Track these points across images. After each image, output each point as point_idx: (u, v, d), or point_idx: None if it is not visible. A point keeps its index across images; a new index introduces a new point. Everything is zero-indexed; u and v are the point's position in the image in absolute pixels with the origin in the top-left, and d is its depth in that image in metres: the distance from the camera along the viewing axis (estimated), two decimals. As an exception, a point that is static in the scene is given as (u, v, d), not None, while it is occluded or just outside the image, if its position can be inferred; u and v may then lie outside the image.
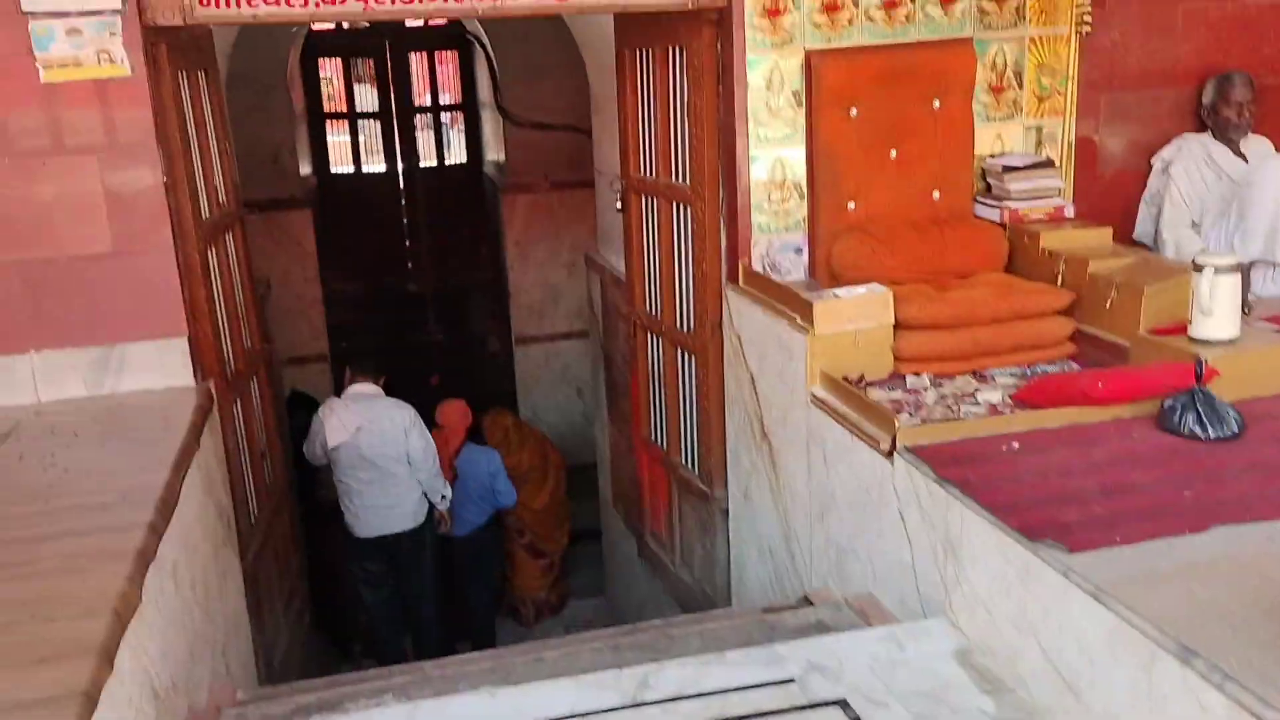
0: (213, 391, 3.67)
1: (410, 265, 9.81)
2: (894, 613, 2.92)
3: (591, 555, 7.28)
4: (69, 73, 3.30)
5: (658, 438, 4.88)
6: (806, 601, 3.30)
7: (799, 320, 3.39)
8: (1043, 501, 2.52)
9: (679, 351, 4.51)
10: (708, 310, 4.12)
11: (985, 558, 2.48)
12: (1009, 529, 2.40)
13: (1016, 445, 2.84)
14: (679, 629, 3.14)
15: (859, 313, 3.33)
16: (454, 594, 5.76)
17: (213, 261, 4.00)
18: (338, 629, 6.46)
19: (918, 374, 3.39)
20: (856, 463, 3.06)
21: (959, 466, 2.72)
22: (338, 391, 5.60)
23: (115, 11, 3.28)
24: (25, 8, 3.23)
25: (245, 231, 4.60)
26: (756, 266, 3.88)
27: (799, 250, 3.91)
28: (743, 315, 3.86)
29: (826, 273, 3.86)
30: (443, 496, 5.11)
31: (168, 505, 2.69)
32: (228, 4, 3.43)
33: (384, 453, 4.85)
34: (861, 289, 3.40)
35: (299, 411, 6.88)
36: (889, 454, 2.87)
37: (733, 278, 3.95)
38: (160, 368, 3.54)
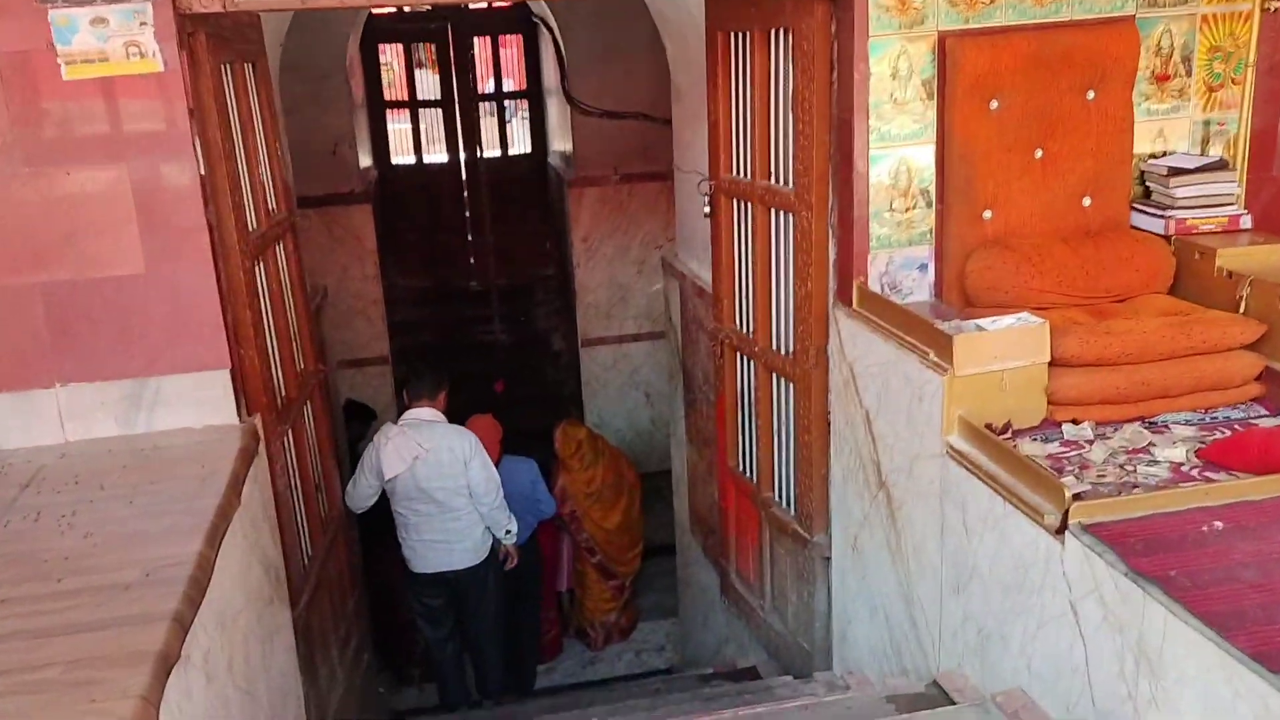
0: (259, 429, 3.26)
1: (473, 261, 9.40)
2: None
3: (662, 572, 6.82)
4: (94, 69, 2.89)
5: (746, 469, 4.39)
6: (938, 689, 2.81)
7: (932, 356, 2.87)
8: (1274, 610, 2.00)
9: (774, 378, 4.01)
10: (811, 334, 3.62)
11: (1202, 682, 1.96)
12: (1240, 653, 1.88)
13: (1220, 525, 2.31)
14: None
15: (1009, 349, 2.81)
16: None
17: (261, 278, 3.59)
18: (396, 651, 6.09)
19: (1076, 422, 2.86)
20: (1011, 534, 2.55)
21: (1153, 555, 2.20)
22: (399, 396, 5.19)
23: (146, -2, 2.86)
24: (44, -5, 2.82)
25: (297, 239, 4.19)
26: (875, 286, 3.36)
27: (924, 267, 3.39)
28: (856, 343, 3.35)
29: (958, 294, 3.34)
30: (507, 531, 4.68)
31: (199, 585, 2.28)
32: (273, -12, 3.00)
33: (443, 484, 4.44)
34: (1009, 319, 2.88)
35: (354, 422, 6.51)
36: (1058, 532, 2.36)
37: (844, 298, 3.44)
38: (200, 403, 3.13)
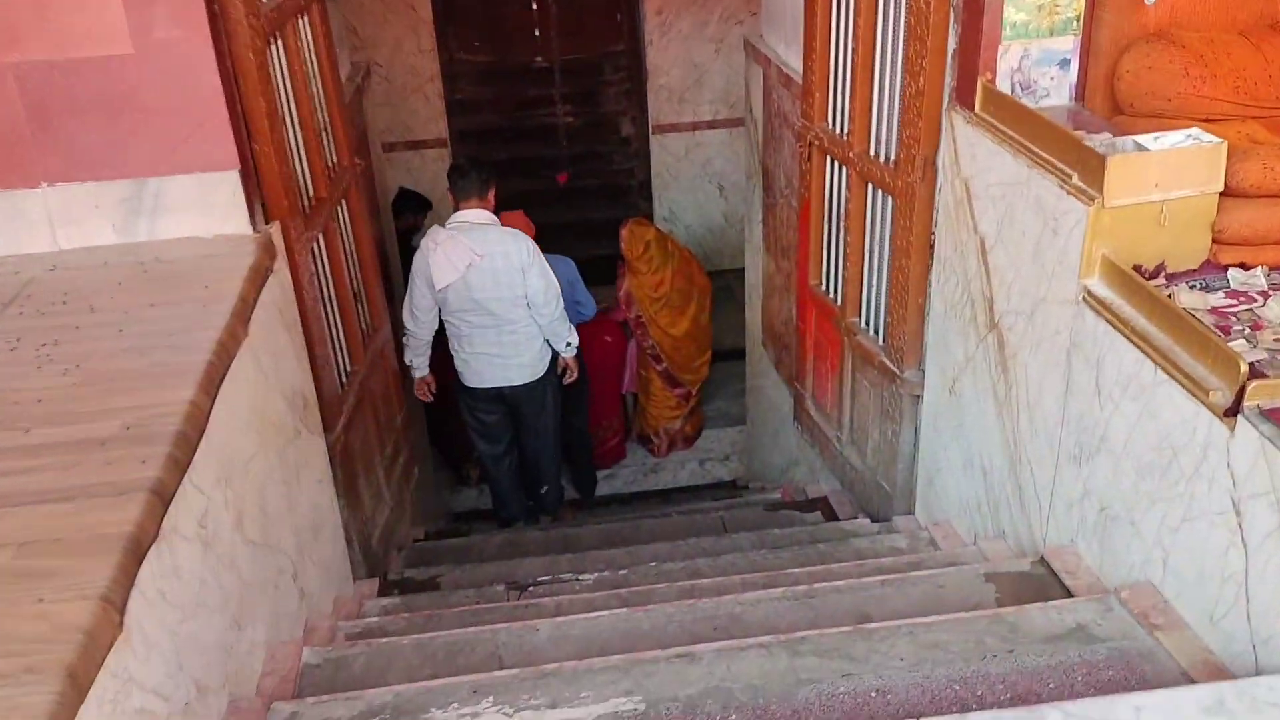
0: (278, 239, 2.86)
1: (537, 33, 8.66)
2: (1197, 630, 2.04)
3: (730, 378, 6.49)
4: None
5: (830, 289, 3.92)
6: (1046, 568, 2.44)
7: (1076, 179, 2.33)
8: None
9: (870, 189, 3.47)
10: (920, 141, 3.05)
11: None
12: None
13: None
14: (873, 612, 2.33)
15: (1176, 175, 2.25)
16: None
17: (277, 59, 3.10)
18: (453, 451, 5.92)
19: (1245, 266, 2.33)
20: (1159, 408, 2.09)
21: (1356, 455, 1.74)
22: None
23: None
24: None
25: (325, 8, 3.65)
26: (1003, 85, 2.77)
27: (1065, 64, 2.77)
28: (976, 156, 2.80)
29: (1105, 99, 2.74)
30: (568, 344, 4.30)
31: (187, 443, 1.94)
32: None
33: (498, 295, 4.04)
34: (1176, 135, 2.30)
35: (406, 213, 6.11)
36: (1227, 414, 1.89)
37: (964, 99, 2.86)
38: (208, 209, 2.73)
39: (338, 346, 3.48)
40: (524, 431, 4.51)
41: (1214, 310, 2.19)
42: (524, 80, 8.68)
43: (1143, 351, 2.12)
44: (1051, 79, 2.78)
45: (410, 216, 6.13)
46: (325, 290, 3.39)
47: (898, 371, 3.40)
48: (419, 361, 4.35)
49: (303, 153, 3.29)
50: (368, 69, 5.03)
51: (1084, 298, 2.32)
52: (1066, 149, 2.37)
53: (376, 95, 7.38)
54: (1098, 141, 2.30)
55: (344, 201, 3.72)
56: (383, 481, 3.87)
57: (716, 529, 4.05)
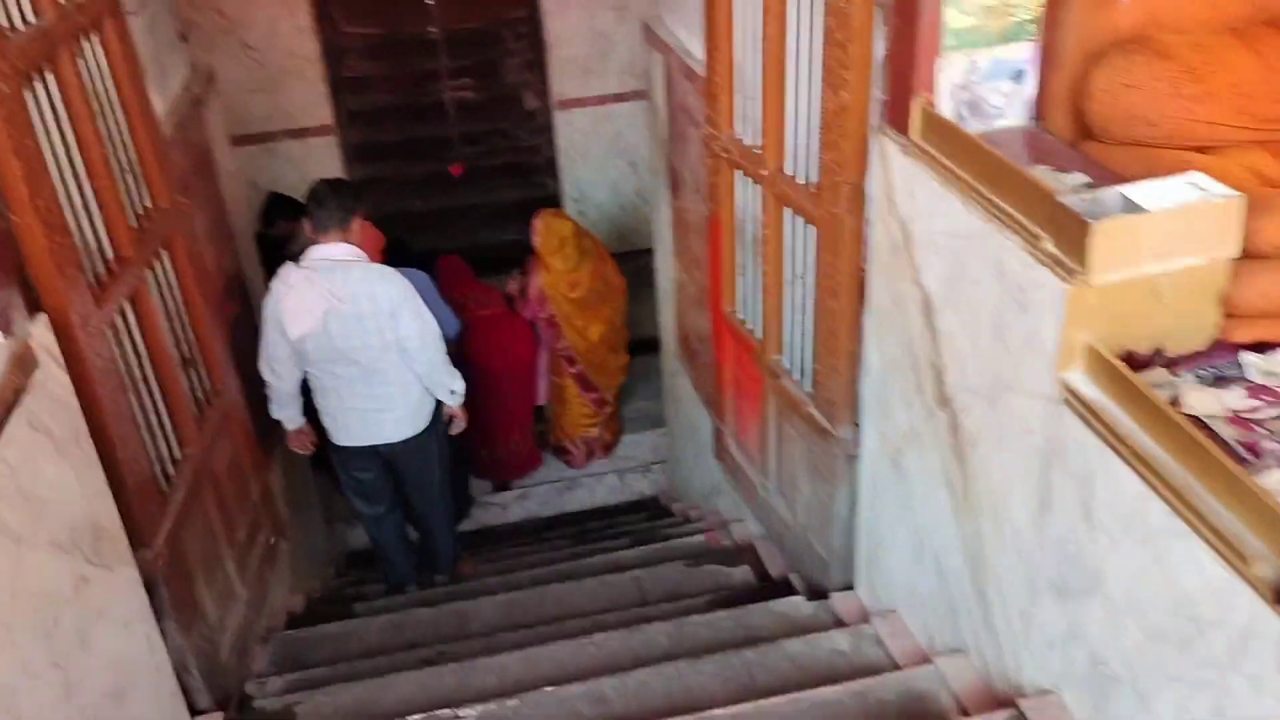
0: (45, 338, 2.23)
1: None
2: None
3: (651, 373, 5.92)
4: None
5: (748, 318, 3.39)
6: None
7: (1048, 244, 1.81)
8: None
9: (789, 214, 2.93)
10: (844, 165, 2.51)
11: None
12: None
13: None
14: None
15: (1178, 239, 1.74)
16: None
17: (45, 99, 2.45)
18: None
19: (1264, 346, 1.83)
20: (1174, 563, 1.60)
21: None
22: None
23: None
24: None
25: (124, 23, 2.97)
26: (945, 106, 2.23)
27: (1020, 76, 2.24)
28: (916, 194, 2.26)
29: (1069, 118, 2.21)
30: (452, 392, 3.71)
31: None
32: None
33: (364, 343, 3.42)
34: (1177, 184, 1.78)
35: (279, 221, 5.43)
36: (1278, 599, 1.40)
37: (896, 121, 2.31)
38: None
39: (158, 434, 2.86)
40: (408, 489, 3.93)
41: (1234, 418, 1.69)
42: (418, 53, 7.93)
43: (1147, 483, 1.62)
44: (1004, 96, 2.25)
45: (284, 225, 5.45)
46: (136, 372, 2.77)
47: (829, 428, 2.89)
48: (287, 415, 3.74)
49: (92, 210, 2.64)
50: (211, 75, 4.32)
51: (1065, 398, 1.81)
52: (1035, 204, 1.85)
53: (251, 81, 6.66)
54: (1077, 200, 1.78)
55: (164, 252, 3.07)
56: (234, 575, 3.28)
57: (634, 597, 3.54)
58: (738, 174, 3.19)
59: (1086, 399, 1.76)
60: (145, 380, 2.84)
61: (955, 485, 2.29)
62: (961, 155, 2.09)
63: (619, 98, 7.20)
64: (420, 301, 3.51)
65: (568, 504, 5.61)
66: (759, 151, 2.99)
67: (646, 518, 5.13)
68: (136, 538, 2.57)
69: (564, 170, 7.55)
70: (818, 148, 2.64)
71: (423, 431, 3.69)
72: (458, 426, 3.87)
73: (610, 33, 6.96)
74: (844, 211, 2.57)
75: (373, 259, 3.60)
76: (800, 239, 2.90)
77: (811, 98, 2.65)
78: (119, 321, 2.70)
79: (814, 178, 2.71)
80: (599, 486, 5.71)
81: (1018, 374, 1.95)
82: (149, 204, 3.01)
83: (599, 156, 7.47)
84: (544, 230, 5.12)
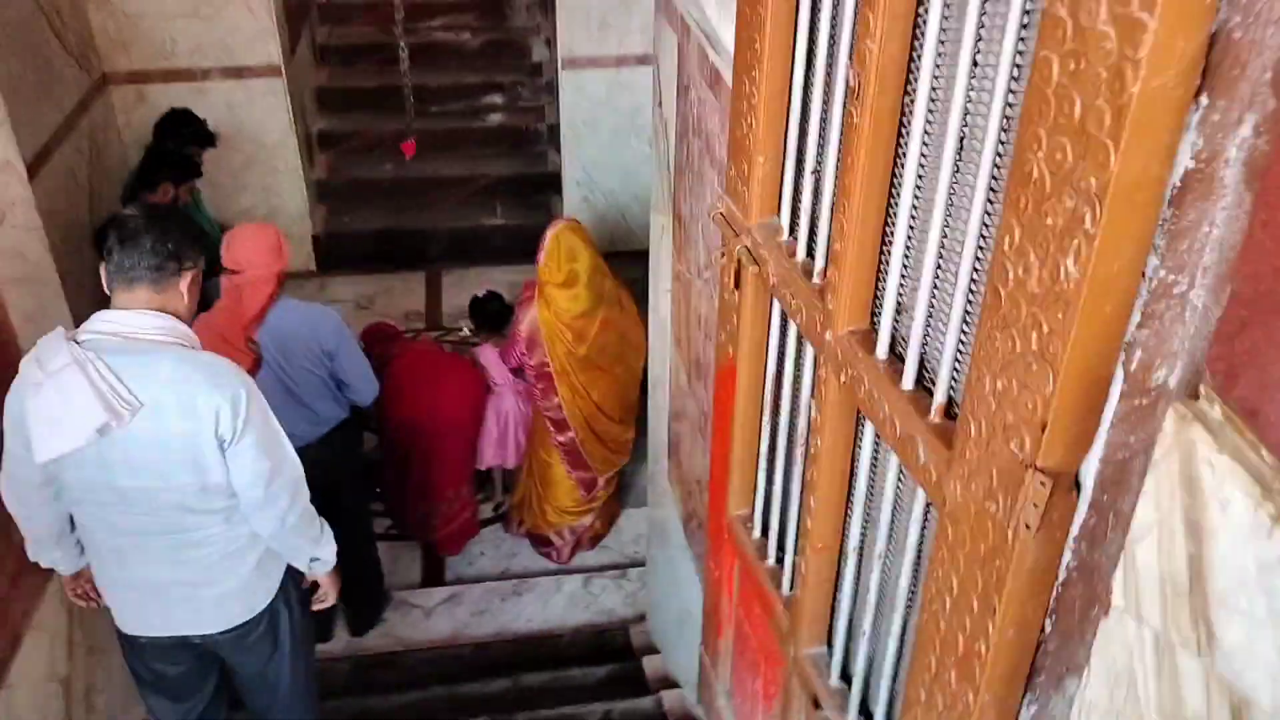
0: None
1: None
2: None
3: (642, 430, 4.42)
4: None
5: (772, 558, 1.89)
6: None
7: None
8: None
9: (872, 435, 1.42)
10: (1043, 418, 1.00)
11: None
12: None
13: None
14: None
15: None
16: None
17: None
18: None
19: None
20: None
21: None
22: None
23: None
24: None
25: None
26: None
27: None
28: (1228, 495, 0.75)
29: None
30: (314, 560, 2.22)
31: None
32: None
33: (166, 483, 1.94)
34: None
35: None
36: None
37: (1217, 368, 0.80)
38: None
39: None
40: (242, 689, 2.45)
41: None
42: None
43: None
44: None
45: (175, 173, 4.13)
46: None
47: None
48: (51, 558, 2.29)
49: None
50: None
51: None
52: None
53: (176, 3, 5.15)
54: None
55: None
56: None
57: None
58: (775, 304, 1.67)
59: None
60: None
61: None
62: None
63: (641, 60, 5.61)
64: (270, 414, 2.03)
65: (509, 619, 4.14)
66: (820, 284, 1.47)
67: (608, 680, 3.66)
68: None
69: (568, 143, 5.99)
70: (955, 345, 1.12)
71: (261, 612, 2.21)
72: (324, 601, 2.39)
73: (635, -22, 5.38)
74: (1028, 525, 1.05)
75: (268, 282, 2.16)
76: (894, 486, 1.39)
77: (959, 223, 1.13)
78: None
79: (953, 403, 1.19)
80: (556, 595, 4.25)
81: None
82: None
83: (611, 132, 5.92)
84: (554, 249, 3.66)
